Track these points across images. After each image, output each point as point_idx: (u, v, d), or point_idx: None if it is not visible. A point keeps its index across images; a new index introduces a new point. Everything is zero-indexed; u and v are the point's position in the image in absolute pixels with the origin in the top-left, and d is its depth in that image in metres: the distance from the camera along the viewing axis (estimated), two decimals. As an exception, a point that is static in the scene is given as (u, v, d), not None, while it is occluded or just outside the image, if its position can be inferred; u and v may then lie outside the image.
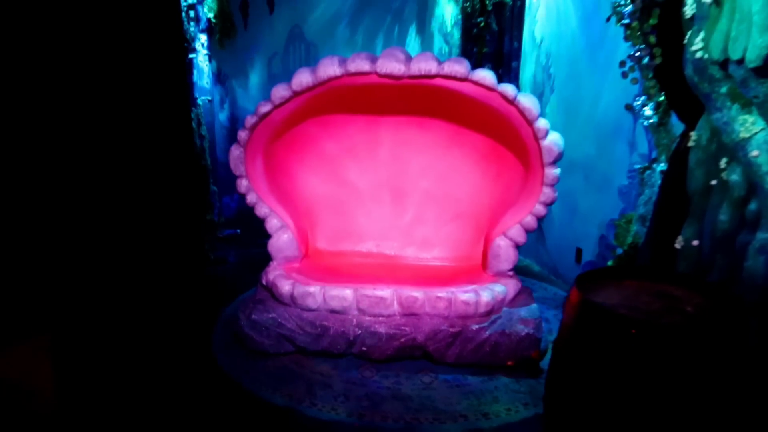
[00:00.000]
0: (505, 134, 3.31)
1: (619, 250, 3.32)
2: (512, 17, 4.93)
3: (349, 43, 5.36)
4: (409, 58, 3.05)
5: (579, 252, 4.37)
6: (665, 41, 2.52)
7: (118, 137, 3.33)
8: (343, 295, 3.14)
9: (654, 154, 3.46)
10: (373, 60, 3.03)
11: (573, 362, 2.15)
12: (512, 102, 3.01)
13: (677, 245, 2.63)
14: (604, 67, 3.96)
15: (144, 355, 3.14)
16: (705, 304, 2.10)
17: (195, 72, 4.81)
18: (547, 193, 3.13)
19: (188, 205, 4.23)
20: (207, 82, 4.95)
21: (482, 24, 4.94)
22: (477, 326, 3.07)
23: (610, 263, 3.41)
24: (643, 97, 3.17)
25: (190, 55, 4.64)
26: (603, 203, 4.03)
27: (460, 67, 2.97)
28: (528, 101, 3.00)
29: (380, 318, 3.16)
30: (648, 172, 3.18)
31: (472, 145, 3.59)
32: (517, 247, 3.28)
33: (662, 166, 3.10)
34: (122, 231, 3.44)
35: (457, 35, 5.30)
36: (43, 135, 2.89)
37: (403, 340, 3.10)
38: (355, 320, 3.16)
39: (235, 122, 5.54)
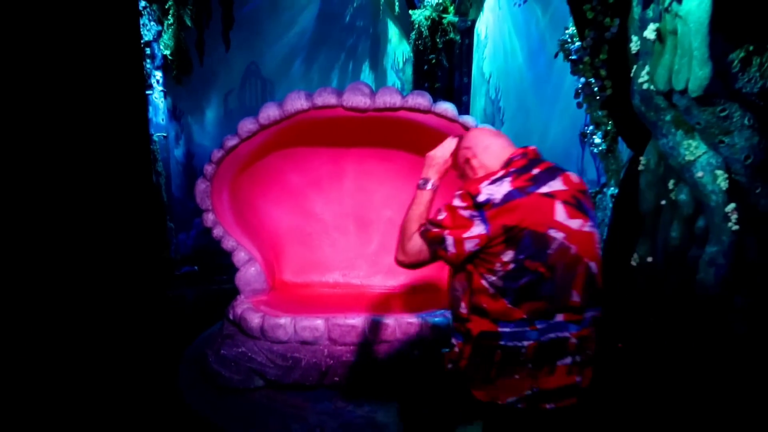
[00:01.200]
0: (465, 163, 3.45)
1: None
2: (461, 54, 5.19)
3: (304, 80, 5.47)
4: (373, 93, 3.16)
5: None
6: (613, 74, 2.74)
7: (72, 174, 3.25)
8: (314, 325, 3.13)
9: (603, 179, 3.69)
10: (339, 94, 3.13)
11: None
12: (473, 132, 3.15)
13: (633, 262, 2.81)
14: (551, 99, 4.22)
15: (106, 398, 3.02)
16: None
17: (150, 108, 4.77)
18: (508, 218, 3.28)
19: (144, 243, 4.13)
20: (162, 119, 4.91)
21: (434, 61, 5.16)
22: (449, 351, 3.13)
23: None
24: (591, 127, 3.40)
25: (147, 92, 4.61)
26: (557, 228, 4.22)
27: (423, 100, 3.11)
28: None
29: (352, 347, 3.17)
30: (599, 196, 3.38)
31: (433, 175, 3.71)
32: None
33: (612, 190, 3.31)
34: (75, 270, 3.33)
35: (409, 71, 5.51)
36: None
37: (373, 366, 3.12)
38: (326, 350, 3.16)
39: (190, 158, 5.50)
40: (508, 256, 1.60)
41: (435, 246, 1.69)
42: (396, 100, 3.11)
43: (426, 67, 5.25)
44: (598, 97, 3.15)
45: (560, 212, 1.61)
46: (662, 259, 2.64)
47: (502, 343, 1.62)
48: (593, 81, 3.14)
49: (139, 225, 4.01)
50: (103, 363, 3.27)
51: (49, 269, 3.12)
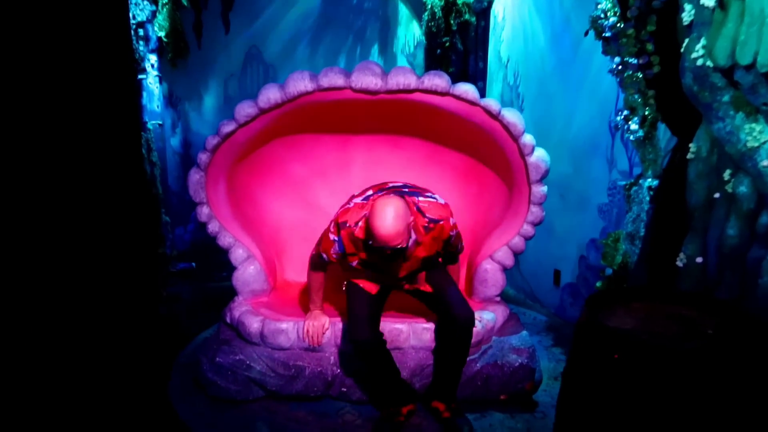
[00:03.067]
0: (486, 151, 3.14)
1: (609, 271, 3.18)
2: (477, 37, 4.86)
3: (309, 64, 5.14)
4: (384, 73, 2.85)
5: (557, 274, 4.22)
6: (661, 50, 2.41)
7: (59, 165, 2.98)
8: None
9: (637, 170, 3.37)
10: (347, 75, 2.82)
11: (588, 393, 1.95)
12: (496, 117, 2.84)
13: (679, 263, 2.49)
14: (576, 84, 3.89)
15: (89, 405, 2.74)
16: (723, 324, 1.95)
17: (144, 94, 4.46)
18: (534, 212, 2.97)
19: (138, 238, 3.84)
20: (157, 105, 4.60)
21: (447, 44, 4.83)
22: (468, 358, 2.83)
23: (598, 284, 3.26)
24: (625, 111, 3.07)
25: (139, 77, 4.30)
26: (581, 223, 3.91)
27: (441, 80, 2.79)
28: (513, 116, 2.85)
29: (361, 354, 2.87)
30: (634, 188, 3.06)
31: (450, 164, 3.40)
32: (505, 270, 3.08)
33: (649, 181, 2.99)
34: (60, 268, 3.06)
35: (420, 56, 5.18)
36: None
37: (385, 377, 2.82)
38: (333, 358, 2.87)
39: (188, 148, 5.19)
40: None
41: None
42: (410, 81, 2.79)
43: (439, 51, 4.92)
44: (635, 78, 2.82)
45: None
46: (715, 261, 2.32)
47: None
48: (630, 60, 2.82)
49: (131, 219, 3.72)
50: (91, 368, 3.01)
51: (31, 267, 2.84)
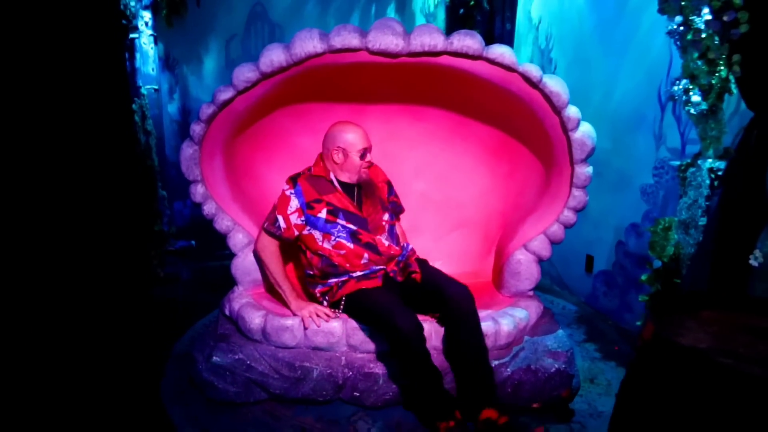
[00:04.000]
0: (521, 125, 2.74)
1: (657, 263, 2.80)
2: (504, -5, 4.38)
3: (319, 25, 4.65)
4: (406, 32, 2.43)
5: (590, 260, 3.86)
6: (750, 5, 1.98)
7: (44, 134, 2.63)
8: (329, 328, 2.51)
9: (691, 148, 2.96)
10: (363, 33, 2.41)
11: (655, 423, 1.62)
12: (536, 85, 2.43)
13: (753, 261, 2.11)
14: (620, 48, 3.44)
15: (77, 404, 2.44)
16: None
17: (138, 56, 4.06)
18: (577, 196, 2.59)
19: (132, 214, 3.50)
20: (153, 69, 4.20)
21: (471, 3, 4.36)
22: (496, 362, 2.50)
23: (643, 278, 2.89)
24: (684, 81, 2.64)
25: (131, 35, 3.90)
26: (620, 205, 3.52)
27: (473, 42, 2.38)
28: (556, 84, 2.44)
29: (376, 355, 2.54)
30: (692, 170, 2.65)
31: (477, 139, 3.01)
32: (540, 262, 2.72)
33: (710, 162, 2.59)
34: (49, 250, 2.74)
35: (441, 16, 4.72)
36: None
37: (404, 382, 2.50)
38: (344, 359, 2.54)
39: (187, 115, 4.79)
40: None
41: None
42: (437, 41, 2.38)
43: (462, 10, 4.46)
44: (701, 40, 2.40)
45: None
46: (803, 261, 1.94)
47: None
48: (695, 19, 2.40)
49: (123, 194, 3.38)
50: (77, 361, 2.71)
51: (10, 250, 2.51)
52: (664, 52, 3.07)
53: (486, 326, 2.47)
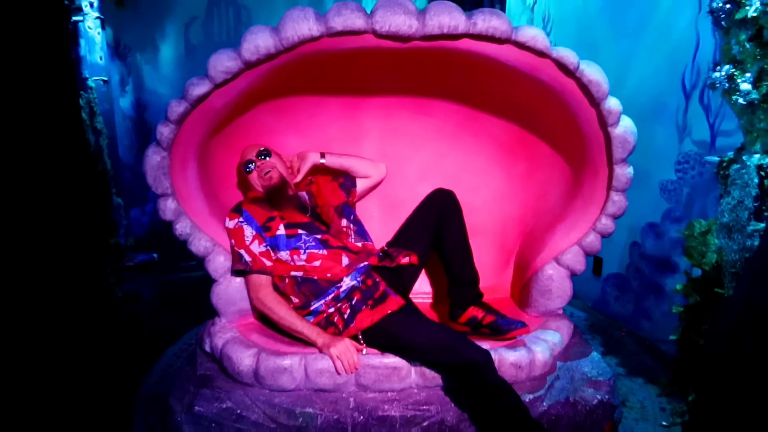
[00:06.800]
0: (547, 119, 2.39)
1: (697, 271, 2.52)
2: (495, -27, 4.01)
3: (291, 6, 4.21)
4: (419, 11, 2.02)
5: (598, 262, 3.57)
6: None
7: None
8: (335, 367, 2.11)
9: (723, 141, 2.69)
10: (368, 14, 1.98)
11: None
12: (572, 73, 2.07)
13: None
14: (634, 31, 3.14)
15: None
16: None
17: (83, 42, 3.50)
18: (617, 201, 2.26)
19: (83, 227, 2.99)
20: (100, 57, 3.65)
21: (460, -19, 3.96)
22: (531, 396, 2.15)
23: (678, 287, 2.61)
24: (727, 66, 2.34)
25: (74, 18, 3.34)
26: (636, 203, 3.20)
27: (501, 22, 1.99)
28: (595, 72, 2.08)
29: (390, 394, 2.16)
30: (734, 166, 2.36)
31: (490, 134, 2.64)
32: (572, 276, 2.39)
33: (757, 158, 2.30)
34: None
35: (425, -4, 4.31)
36: None
37: (425, 424, 2.12)
38: (352, 400, 2.14)
39: (142, 110, 4.25)
40: None
41: None
42: (458, 21, 1.98)
43: (449, -10, 4.05)
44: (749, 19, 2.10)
45: None
46: None
47: None
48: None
49: (72, 204, 2.88)
50: (21, 408, 2.24)
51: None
52: (689, 34, 2.77)
53: (519, 356, 2.13)
